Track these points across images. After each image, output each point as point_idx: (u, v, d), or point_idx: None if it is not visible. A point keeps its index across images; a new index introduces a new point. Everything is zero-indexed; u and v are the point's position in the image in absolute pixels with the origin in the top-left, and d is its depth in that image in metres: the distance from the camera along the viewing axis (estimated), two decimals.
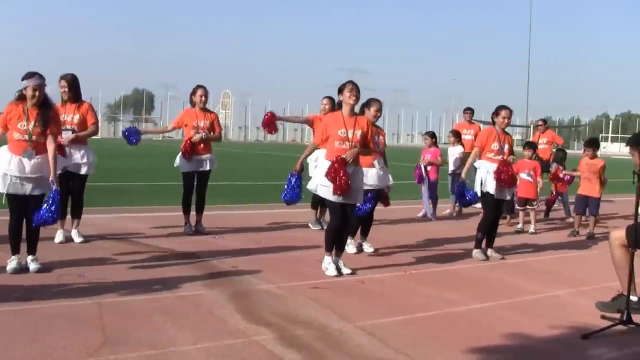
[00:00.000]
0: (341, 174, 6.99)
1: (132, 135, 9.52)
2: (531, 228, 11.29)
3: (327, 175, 7.02)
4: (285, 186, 7.94)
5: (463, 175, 8.84)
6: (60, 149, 7.66)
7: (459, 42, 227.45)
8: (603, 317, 5.81)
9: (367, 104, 8.08)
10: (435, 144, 12.84)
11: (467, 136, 13.66)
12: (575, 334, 5.36)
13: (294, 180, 7.89)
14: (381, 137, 8.84)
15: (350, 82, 7.41)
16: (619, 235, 6.19)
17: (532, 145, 12.29)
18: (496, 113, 8.69)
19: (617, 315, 5.64)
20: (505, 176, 8.46)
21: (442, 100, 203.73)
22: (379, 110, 8.13)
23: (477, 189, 8.64)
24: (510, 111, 8.66)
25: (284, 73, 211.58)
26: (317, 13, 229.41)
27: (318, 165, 7.40)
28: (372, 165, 8.43)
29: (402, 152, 44.20)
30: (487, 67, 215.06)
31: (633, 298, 5.87)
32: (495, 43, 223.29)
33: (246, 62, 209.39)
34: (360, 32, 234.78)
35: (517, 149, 12.21)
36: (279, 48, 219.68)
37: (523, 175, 11.41)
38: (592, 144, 11.46)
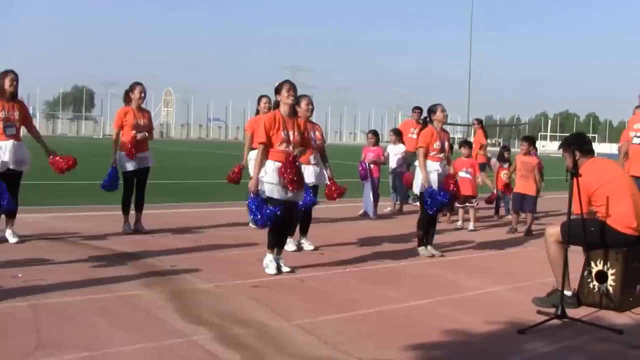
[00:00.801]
0: (294, 171, 7.01)
1: (112, 183, 9.36)
2: (470, 225, 11.44)
3: (282, 174, 6.96)
4: (252, 212, 7.11)
5: (423, 181, 8.45)
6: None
7: (402, 41, 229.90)
8: (539, 312, 5.90)
9: (297, 102, 7.69)
10: (377, 142, 12.91)
11: (413, 135, 13.50)
12: (512, 329, 5.44)
13: (256, 203, 7.02)
14: (317, 133, 8.81)
15: (287, 81, 7.33)
16: (554, 231, 6.32)
17: (468, 144, 12.49)
18: (433, 111, 8.73)
19: (553, 310, 5.77)
20: (452, 187, 8.56)
21: (384, 98, 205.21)
22: (310, 103, 7.93)
23: (418, 188, 8.70)
24: (444, 107, 8.76)
25: (226, 70, 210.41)
26: (259, 11, 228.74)
27: (267, 169, 7.11)
28: (309, 162, 8.43)
29: (345, 151, 44.43)
30: (428, 66, 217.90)
31: (567, 293, 6.01)
32: (437, 42, 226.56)
33: (188, 59, 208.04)
34: (303, 30, 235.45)
35: (457, 147, 12.39)
36: (222, 45, 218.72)
37: (461, 174, 11.56)
38: (527, 139, 11.76)
